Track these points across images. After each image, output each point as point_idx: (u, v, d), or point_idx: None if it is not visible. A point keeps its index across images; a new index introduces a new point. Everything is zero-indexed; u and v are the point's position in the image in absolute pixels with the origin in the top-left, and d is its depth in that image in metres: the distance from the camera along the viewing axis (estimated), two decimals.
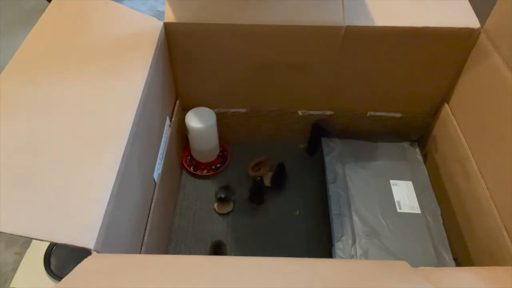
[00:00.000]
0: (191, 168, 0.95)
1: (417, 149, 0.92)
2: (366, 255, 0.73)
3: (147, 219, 0.67)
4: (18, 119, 0.53)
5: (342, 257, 0.73)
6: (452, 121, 0.82)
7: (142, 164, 0.64)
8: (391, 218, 0.78)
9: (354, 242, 0.75)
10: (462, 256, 0.75)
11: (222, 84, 0.86)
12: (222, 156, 0.98)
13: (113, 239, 0.50)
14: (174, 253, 0.81)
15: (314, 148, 0.97)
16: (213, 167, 0.95)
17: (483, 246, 0.70)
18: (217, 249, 0.80)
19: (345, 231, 0.76)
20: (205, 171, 0.95)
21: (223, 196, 0.86)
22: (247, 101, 0.91)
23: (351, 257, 0.73)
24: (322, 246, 0.81)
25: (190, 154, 0.96)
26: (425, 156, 0.92)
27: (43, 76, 0.58)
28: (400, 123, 0.92)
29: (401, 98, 0.87)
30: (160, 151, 0.76)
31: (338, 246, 0.74)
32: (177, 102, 0.88)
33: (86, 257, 0.44)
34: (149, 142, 0.69)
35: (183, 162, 0.96)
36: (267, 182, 0.91)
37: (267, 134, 0.98)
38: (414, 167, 0.88)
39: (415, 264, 0.43)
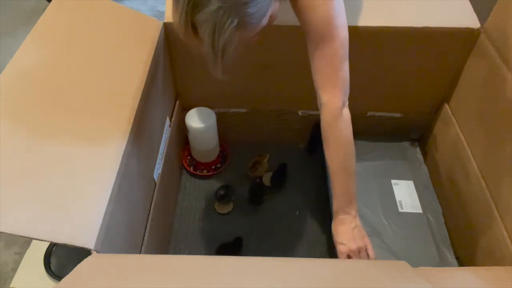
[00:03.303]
0: (191, 168, 0.95)
1: (418, 148, 0.92)
2: None
3: (147, 219, 0.67)
4: (18, 119, 0.53)
5: None
6: (452, 121, 0.82)
7: (142, 164, 0.64)
8: (393, 217, 0.78)
9: None
10: (464, 255, 0.75)
11: (222, 84, 0.86)
12: (222, 156, 0.98)
13: (113, 239, 0.50)
14: (174, 253, 0.81)
15: (314, 148, 0.97)
16: (213, 167, 0.95)
17: (484, 246, 0.70)
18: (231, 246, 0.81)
19: None
20: (205, 171, 0.95)
21: (223, 196, 0.86)
22: (247, 101, 0.90)
23: None
24: (322, 246, 0.81)
25: (190, 154, 0.96)
26: (425, 156, 0.92)
27: (43, 76, 0.58)
28: (400, 123, 0.92)
29: (401, 98, 0.87)
30: (160, 151, 0.75)
31: None
32: (177, 102, 0.88)
33: (86, 257, 0.44)
34: (149, 142, 0.69)
35: (183, 162, 0.96)
36: (267, 181, 0.91)
37: (267, 134, 0.98)
38: (415, 166, 0.88)
39: (417, 263, 0.43)
